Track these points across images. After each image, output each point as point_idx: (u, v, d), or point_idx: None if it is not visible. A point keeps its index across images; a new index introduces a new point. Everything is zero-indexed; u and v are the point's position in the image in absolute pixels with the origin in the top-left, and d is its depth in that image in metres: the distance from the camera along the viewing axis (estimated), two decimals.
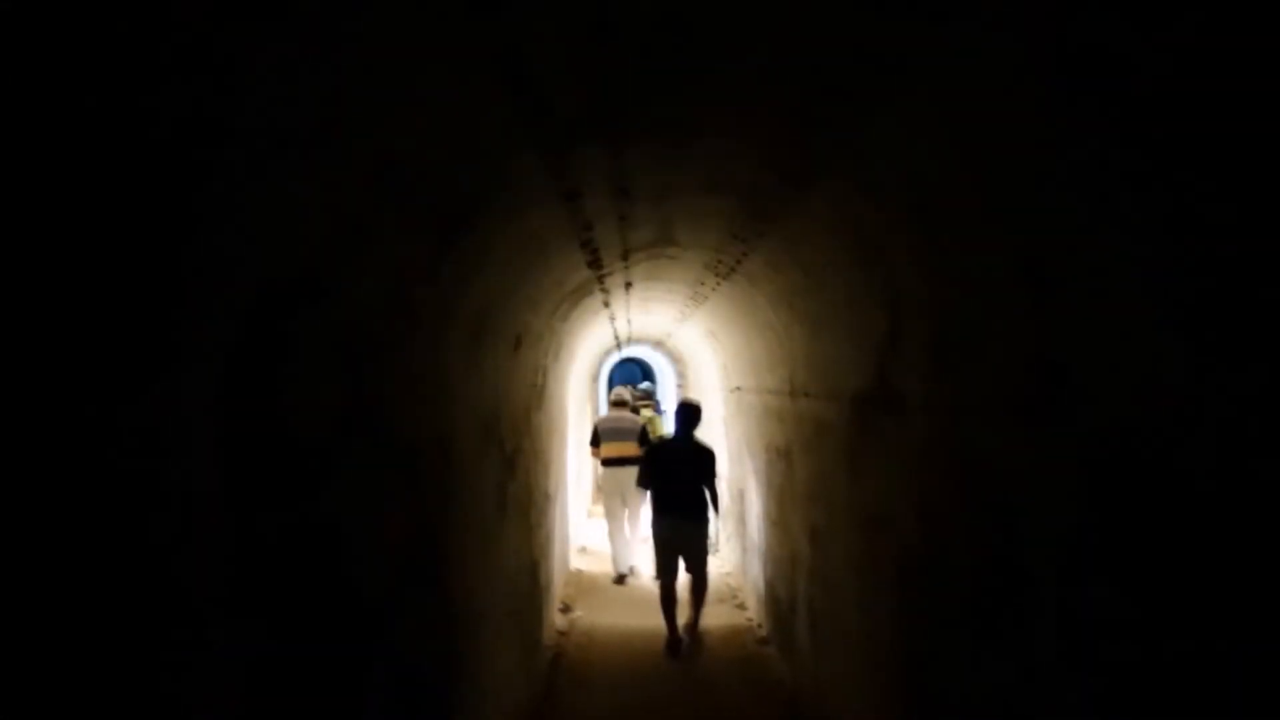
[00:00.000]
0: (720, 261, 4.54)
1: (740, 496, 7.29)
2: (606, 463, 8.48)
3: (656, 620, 6.12)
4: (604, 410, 10.88)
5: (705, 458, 6.25)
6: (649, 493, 6.36)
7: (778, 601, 5.57)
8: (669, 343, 10.59)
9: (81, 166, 0.97)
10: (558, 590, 6.72)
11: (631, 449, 8.19)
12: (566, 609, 6.77)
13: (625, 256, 4.47)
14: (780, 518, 5.42)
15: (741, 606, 7.01)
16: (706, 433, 8.26)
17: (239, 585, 1.39)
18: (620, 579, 8.00)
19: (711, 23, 1.75)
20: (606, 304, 5.99)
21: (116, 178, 1.03)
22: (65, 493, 0.98)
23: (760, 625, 6.27)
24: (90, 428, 1.02)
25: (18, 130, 0.88)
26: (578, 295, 5.03)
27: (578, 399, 9.44)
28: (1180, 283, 1.33)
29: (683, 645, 5.87)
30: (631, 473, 7.67)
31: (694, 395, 9.71)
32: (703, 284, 5.36)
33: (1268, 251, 1.15)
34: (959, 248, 2.20)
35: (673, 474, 6.14)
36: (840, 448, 3.78)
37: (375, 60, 1.48)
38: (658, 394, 14.89)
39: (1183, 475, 1.36)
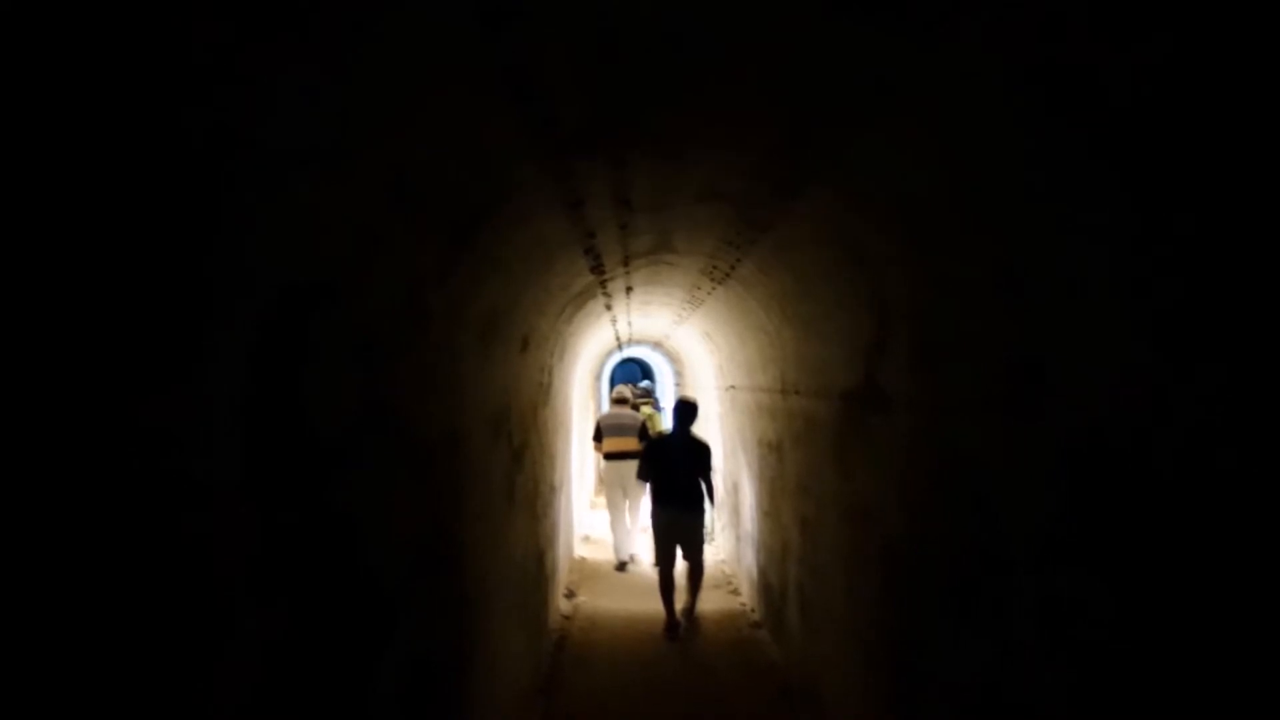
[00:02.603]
0: (715, 267, 4.53)
1: (734, 489, 7.28)
2: (608, 457, 8.48)
3: (655, 605, 6.12)
4: (606, 407, 10.88)
5: (702, 452, 6.24)
6: (649, 485, 6.36)
7: (770, 588, 5.56)
8: (667, 343, 10.57)
9: (115, 177, 0.97)
10: (562, 577, 6.71)
11: (632, 444, 8.20)
12: (571, 594, 6.76)
13: (626, 262, 4.46)
14: (772, 509, 5.41)
15: (735, 592, 7.00)
16: (703, 429, 8.26)
17: (260, 574, 1.38)
18: (621, 566, 8.00)
19: (707, 42, 1.75)
20: (608, 307, 5.98)
21: (146, 189, 1.02)
22: (102, 487, 0.98)
23: (753, 610, 6.26)
24: (124, 426, 1.01)
25: (61, 142, 0.87)
26: (581, 299, 5.02)
27: (581, 396, 9.43)
28: (1149, 287, 1.33)
29: (680, 629, 5.86)
30: (632, 466, 7.68)
31: (691, 393, 9.71)
32: (699, 288, 5.35)
33: (1230, 258, 1.14)
34: (942, 254, 2.19)
35: (671, 467, 6.14)
36: (829, 443, 3.77)
37: (390, 77, 1.47)
38: (657, 392, 14.90)
39: (1153, 467, 1.35)
